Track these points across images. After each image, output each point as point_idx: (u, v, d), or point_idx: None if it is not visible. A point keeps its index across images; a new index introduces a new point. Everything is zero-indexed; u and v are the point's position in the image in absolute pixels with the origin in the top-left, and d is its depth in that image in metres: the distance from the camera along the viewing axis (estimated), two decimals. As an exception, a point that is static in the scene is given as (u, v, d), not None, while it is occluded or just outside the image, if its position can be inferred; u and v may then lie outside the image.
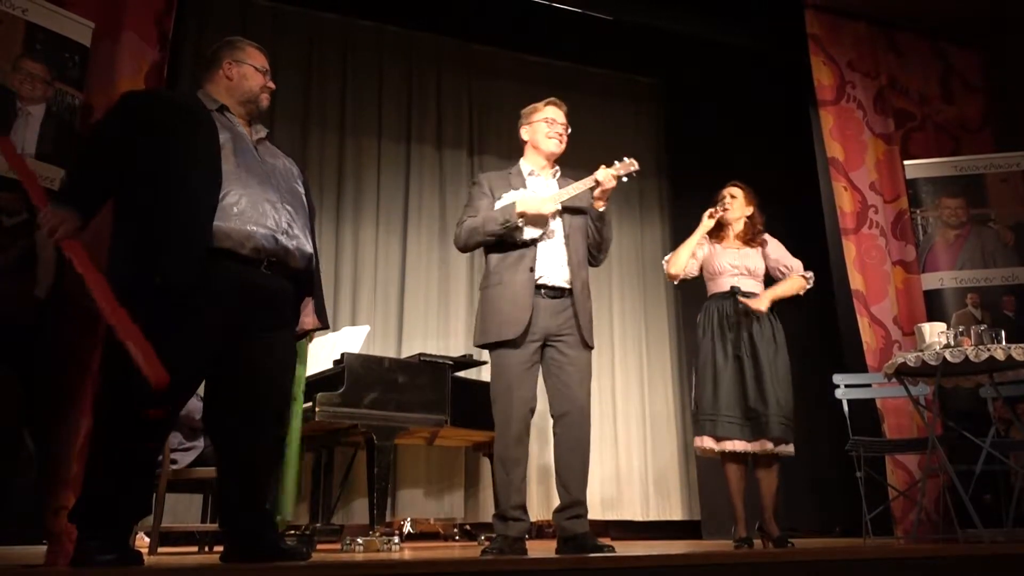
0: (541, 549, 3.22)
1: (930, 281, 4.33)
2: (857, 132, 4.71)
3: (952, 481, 3.28)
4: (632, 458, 5.71)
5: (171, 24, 3.36)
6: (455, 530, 5.05)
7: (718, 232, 3.58)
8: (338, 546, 3.54)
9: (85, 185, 2.12)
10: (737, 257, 3.50)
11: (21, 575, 2.13)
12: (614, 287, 5.99)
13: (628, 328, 5.98)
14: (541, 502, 5.23)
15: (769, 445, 3.25)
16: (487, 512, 4.76)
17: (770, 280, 3.55)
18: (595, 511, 5.26)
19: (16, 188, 2.54)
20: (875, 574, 2.19)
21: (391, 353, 5.05)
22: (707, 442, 3.33)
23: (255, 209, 2.17)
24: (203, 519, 4.03)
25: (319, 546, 3.69)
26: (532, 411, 2.76)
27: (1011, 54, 5.01)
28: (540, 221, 2.79)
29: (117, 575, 1.92)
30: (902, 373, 3.37)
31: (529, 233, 2.79)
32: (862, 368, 4.25)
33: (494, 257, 2.85)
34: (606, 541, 2.67)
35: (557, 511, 2.76)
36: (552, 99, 3.01)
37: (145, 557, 2.08)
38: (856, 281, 4.44)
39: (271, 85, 2.43)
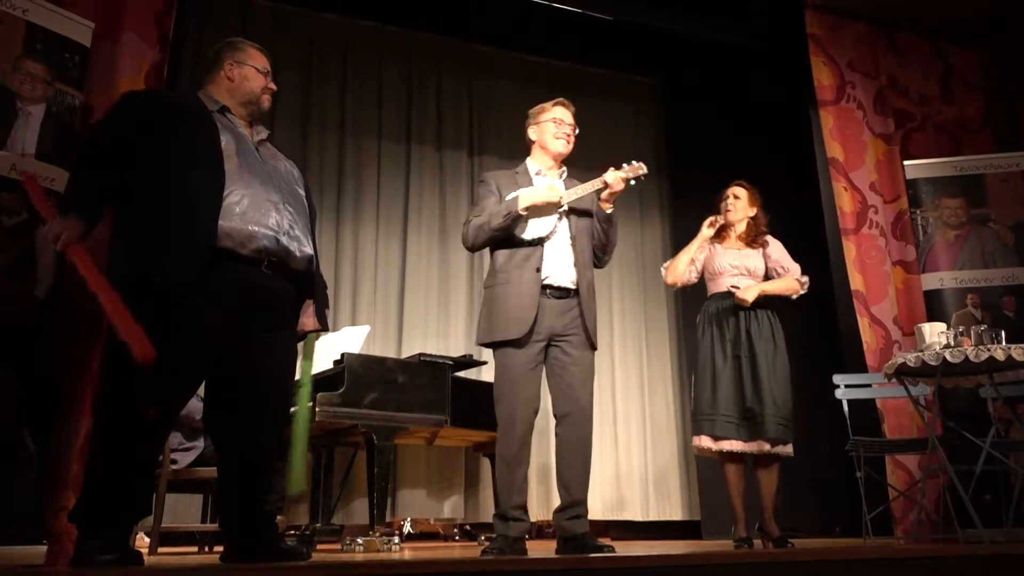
0: (541, 549, 3.22)
1: (930, 281, 4.33)
2: (857, 132, 4.71)
3: (952, 481, 3.28)
4: (632, 458, 5.71)
5: (171, 24, 3.36)
6: (455, 530, 5.05)
7: (720, 232, 3.57)
8: (338, 546, 3.54)
9: (87, 189, 2.11)
10: (738, 257, 3.49)
11: (21, 575, 2.13)
12: (614, 287, 5.99)
13: (628, 328, 5.98)
14: (541, 502, 5.23)
15: (766, 446, 3.25)
16: (487, 512, 4.76)
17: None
18: (595, 511, 5.26)
19: (16, 188, 2.55)
20: (875, 574, 2.19)
21: (391, 353, 5.05)
22: (705, 442, 3.33)
23: (257, 209, 2.17)
24: (203, 519, 4.03)
25: (319, 546, 3.69)
26: (536, 411, 2.76)
27: (1011, 54, 5.01)
28: (545, 213, 2.79)
29: (117, 575, 1.92)
30: (902, 373, 3.37)
31: (535, 230, 2.79)
32: (862, 368, 4.25)
33: (501, 256, 2.85)
34: (606, 541, 2.67)
35: (557, 511, 2.76)
36: (561, 99, 3.01)
37: (145, 557, 2.08)
38: (856, 281, 4.44)
39: (272, 86, 2.43)
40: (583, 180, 2.91)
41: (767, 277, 3.51)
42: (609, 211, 2.89)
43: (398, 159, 5.59)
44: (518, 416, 2.71)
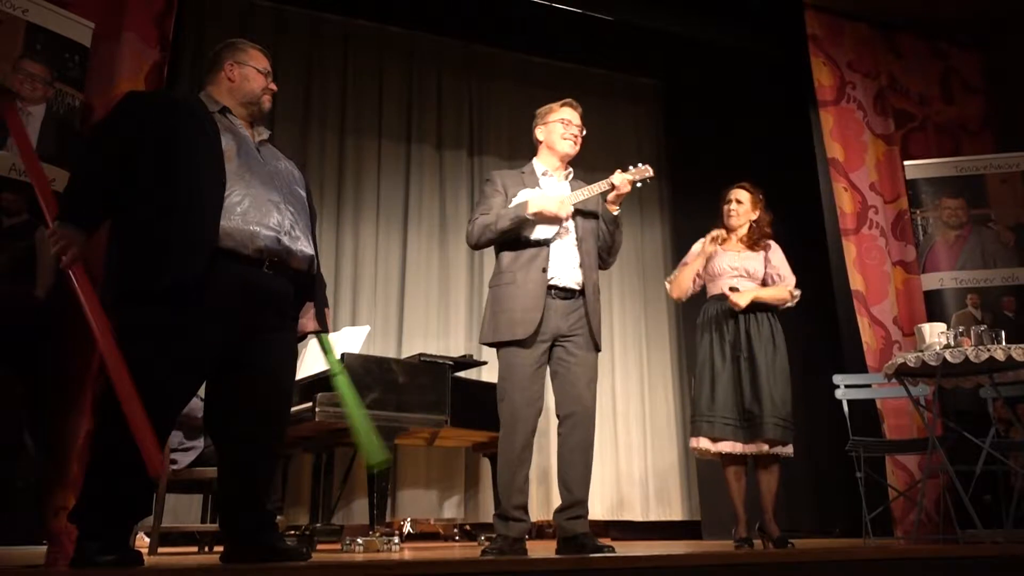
0: (541, 549, 3.22)
1: (930, 282, 4.33)
2: (857, 133, 4.72)
3: (952, 482, 3.29)
4: (632, 459, 5.70)
5: (171, 25, 3.36)
6: (455, 530, 5.05)
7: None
8: (338, 546, 3.54)
9: (88, 192, 2.10)
10: (737, 259, 3.49)
11: (21, 575, 2.13)
12: (614, 288, 5.98)
13: (628, 329, 5.97)
14: (541, 502, 5.22)
15: (765, 447, 3.25)
16: (487, 512, 4.76)
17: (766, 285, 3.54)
18: (596, 512, 5.26)
19: (16, 188, 2.55)
20: (875, 574, 2.19)
21: (391, 353, 5.05)
22: (703, 443, 3.33)
23: (258, 209, 2.17)
24: (203, 519, 4.03)
25: (319, 546, 3.69)
26: (539, 412, 2.77)
27: (1011, 54, 5.01)
28: (551, 223, 2.79)
29: (117, 575, 1.92)
30: (902, 373, 3.37)
31: (541, 232, 2.79)
32: (862, 369, 4.26)
33: (506, 256, 2.85)
34: (606, 541, 2.67)
35: (558, 511, 2.76)
36: (568, 100, 3.01)
37: (145, 557, 2.08)
38: (856, 281, 4.44)
39: (273, 87, 2.42)
40: (583, 181, 2.91)
41: (764, 282, 3.50)
42: (615, 213, 2.89)
43: (398, 159, 5.58)
44: (521, 416, 2.71)
